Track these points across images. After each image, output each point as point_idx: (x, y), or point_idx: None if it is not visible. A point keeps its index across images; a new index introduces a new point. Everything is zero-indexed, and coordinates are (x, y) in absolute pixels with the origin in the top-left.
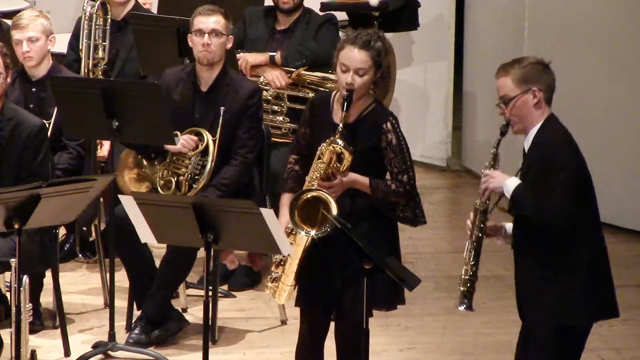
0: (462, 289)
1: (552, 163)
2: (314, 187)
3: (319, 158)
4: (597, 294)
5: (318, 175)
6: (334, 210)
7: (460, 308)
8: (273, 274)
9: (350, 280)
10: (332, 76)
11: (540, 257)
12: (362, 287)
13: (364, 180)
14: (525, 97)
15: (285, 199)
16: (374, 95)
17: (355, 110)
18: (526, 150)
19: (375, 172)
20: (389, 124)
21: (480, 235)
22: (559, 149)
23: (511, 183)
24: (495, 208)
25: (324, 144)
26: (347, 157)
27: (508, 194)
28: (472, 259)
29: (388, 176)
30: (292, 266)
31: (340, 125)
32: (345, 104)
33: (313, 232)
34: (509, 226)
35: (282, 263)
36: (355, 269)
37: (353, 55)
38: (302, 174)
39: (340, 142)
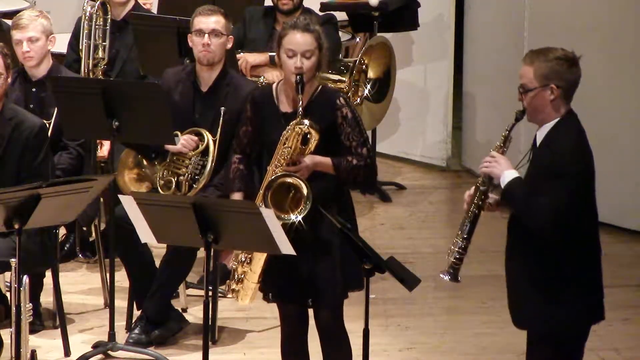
0: (450, 259)
1: (555, 169)
2: (284, 174)
3: (284, 143)
4: (590, 300)
5: (283, 160)
6: (306, 193)
7: (445, 277)
8: (237, 275)
9: (319, 265)
10: (331, 76)
11: (534, 263)
12: (333, 269)
13: (327, 160)
14: (542, 92)
15: (235, 198)
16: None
17: (305, 94)
18: (538, 143)
19: (331, 151)
20: (341, 99)
21: (477, 212)
22: (565, 157)
23: (509, 175)
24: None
25: (289, 127)
26: (315, 136)
27: (502, 184)
28: (465, 233)
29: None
30: (259, 262)
31: (300, 108)
32: (299, 87)
33: (294, 217)
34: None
35: (248, 262)
36: (323, 253)
37: (297, 40)
38: (247, 173)
39: (306, 121)
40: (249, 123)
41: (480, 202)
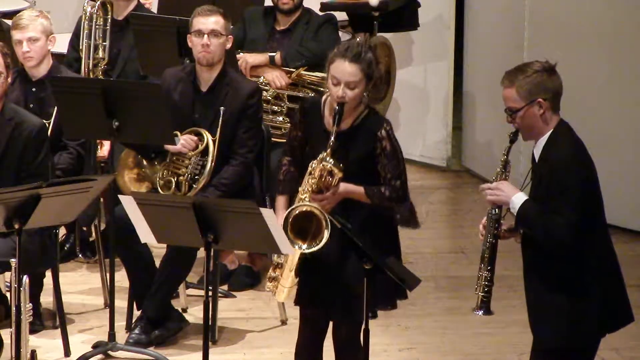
0: (480, 294)
1: (560, 183)
2: (306, 203)
3: (310, 174)
4: (613, 308)
5: (310, 189)
6: (325, 227)
7: (479, 313)
8: (272, 273)
9: (348, 281)
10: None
11: (552, 276)
12: (361, 287)
13: (359, 189)
14: (530, 108)
15: (281, 201)
16: (367, 101)
17: (349, 118)
18: (536, 158)
19: (370, 179)
20: (383, 131)
21: (494, 241)
22: (566, 168)
23: (517, 200)
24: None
25: (315, 161)
26: (338, 174)
27: (514, 211)
28: (487, 264)
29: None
30: (290, 273)
31: (332, 139)
32: (337, 117)
33: (305, 247)
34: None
35: (279, 266)
36: (354, 269)
37: (344, 69)
38: (297, 175)
39: (330, 160)
40: (298, 127)
41: (495, 231)
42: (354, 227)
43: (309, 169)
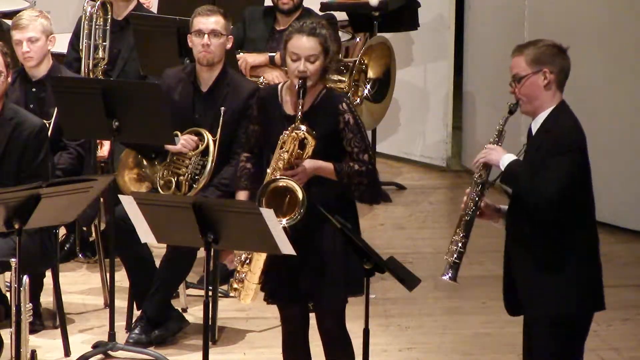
0: (449, 259)
1: (559, 146)
2: (278, 177)
3: (281, 147)
4: (592, 285)
5: (282, 164)
6: (301, 197)
7: (444, 277)
8: (237, 274)
9: (322, 270)
10: (331, 76)
11: (537, 248)
12: (336, 274)
13: (328, 165)
14: (535, 77)
15: (241, 196)
16: (324, 81)
17: (308, 97)
18: (533, 132)
19: (333, 157)
20: (344, 104)
21: (474, 207)
22: (567, 134)
23: (508, 157)
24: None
25: (286, 132)
26: (311, 142)
27: (502, 167)
28: (463, 230)
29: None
30: (258, 263)
31: (299, 113)
32: (301, 92)
33: (284, 221)
34: (506, 208)
35: (247, 262)
36: (326, 258)
37: (302, 44)
38: (254, 171)
39: (303, 127)
40: (255, 121)
41: (477, 198)
42: (317, 199)
43: (280, 142)
